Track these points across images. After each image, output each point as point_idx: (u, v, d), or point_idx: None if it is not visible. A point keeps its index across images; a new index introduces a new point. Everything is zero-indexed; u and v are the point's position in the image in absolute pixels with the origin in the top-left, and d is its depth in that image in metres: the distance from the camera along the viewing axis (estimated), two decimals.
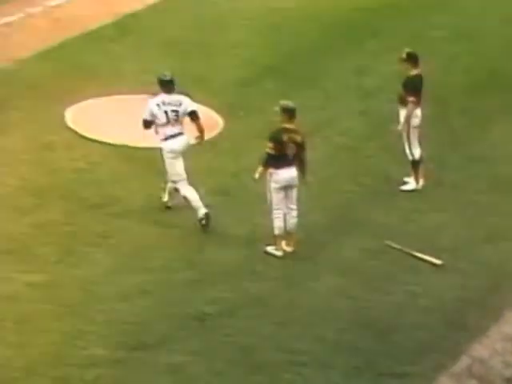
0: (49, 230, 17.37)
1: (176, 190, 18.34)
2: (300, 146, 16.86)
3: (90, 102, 21.24)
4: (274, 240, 16.90)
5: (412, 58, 18.70)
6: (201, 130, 18.29)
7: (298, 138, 16.82)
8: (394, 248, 17.04)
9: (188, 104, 18.20)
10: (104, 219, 17.75)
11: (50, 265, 16.52)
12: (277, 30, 24.19)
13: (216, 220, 17.80)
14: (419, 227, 17.77)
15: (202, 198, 18.00)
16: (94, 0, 25.34)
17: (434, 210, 18.30)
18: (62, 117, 20.43)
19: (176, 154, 18.18)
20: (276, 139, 16.73)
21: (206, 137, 19.42)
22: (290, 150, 16.78)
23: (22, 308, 15.49)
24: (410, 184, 18.78)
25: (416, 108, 18.53)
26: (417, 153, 18.64)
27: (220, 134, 20.39)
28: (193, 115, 18.16)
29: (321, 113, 20.88)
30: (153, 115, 18.08)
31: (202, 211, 18.20)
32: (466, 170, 19.56)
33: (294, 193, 16.97)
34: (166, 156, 18.18)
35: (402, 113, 18.55)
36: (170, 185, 18.38)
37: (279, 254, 16.95)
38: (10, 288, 15.83)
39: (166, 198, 18.57)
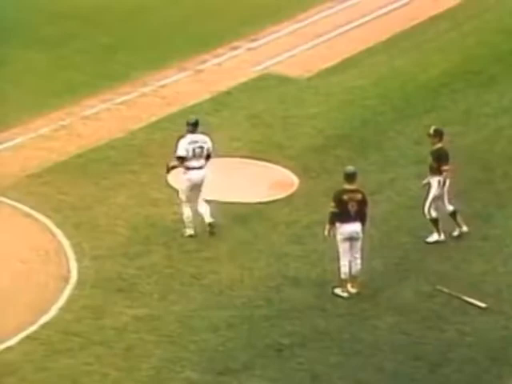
0: (152, 272, 17.47)
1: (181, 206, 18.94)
2: (361, 204, 16.80)
3: None
4: (341, 283, 16.79)
5: (438, 134, 18.69)
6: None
7: (359, 197, 16.78)
8: (445, 292, 16.85)
9: (210, 145, 18.86)
10: (197, 263, 17.81)
11: (152, 301, 16.63)
12: (349, 104, 24.17)
13: (291, 264, 17.80)
14: (467, 274, 17.55)
15: (282, 246, 18.21)
16: (194, 80, 25.40)
17: (480, 259, 18.06)
18: (166, 178, 20.45)
19: (193, 183, 18.73)
20: (338, 199, 16.76)
21: (284, 194, 20.04)
22: (352, 208, 16.72)
23: (130, 337, 15.66)
24: (434, 236, 18.51)
25: (448, 176, 18.42)
26: (450, 208, 18.51)
27: (295, 192, 20.33)
28: (209, 156, 18.87)
29: (383, 175, 20.86)
30: (186, 151, 18.56)
31: (190, 231, 18.86)
32: (509, 226, 19.25)
33: (358, 243, 16.87)
34: (185, 183, 18.82)
35: (431, 179, 18.44)
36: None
37: (345, 294, 16.82)
38: (119, 320, 16.04)
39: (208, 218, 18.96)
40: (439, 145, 18.67)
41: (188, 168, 18.73)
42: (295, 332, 15.94)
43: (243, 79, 25.40)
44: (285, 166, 21.16)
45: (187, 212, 18.92)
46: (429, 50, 27.64)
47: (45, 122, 22.30)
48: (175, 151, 18.82)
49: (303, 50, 27.33)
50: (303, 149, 21.43)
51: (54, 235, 18.38)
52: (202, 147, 18.88)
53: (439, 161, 18.50)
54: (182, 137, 18.96)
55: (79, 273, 17.26)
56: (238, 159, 21.49)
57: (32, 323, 15.79)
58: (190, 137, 18.83)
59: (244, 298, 16.85)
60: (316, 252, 18.24)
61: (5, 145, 21.50)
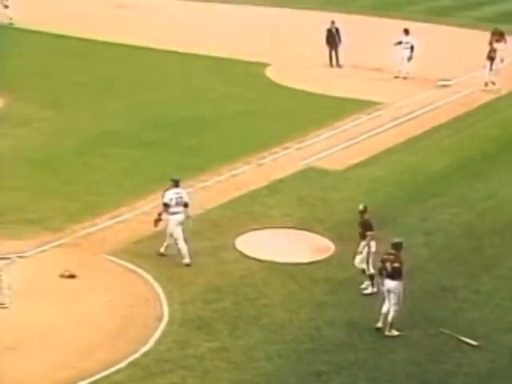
0: (223, 314, 17.48)
1: (176, 244, 19.44)
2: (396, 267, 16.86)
3: (251, 233, 21.33)
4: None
5: (364, 210, 18.81)
6: (188, 215, 19.61)
7: (396, 263, 16.84)
8: (446, 333, 16.81)
9: (186, 196, 19.76)
10: (257, 308, 17.80)
11: (223, 336, 16.71)
12: (373, 190, 24.14)
13: (328, 310, 17.75)
14: (463, 320, 17.47)
15: (321, 296, 18.14)
16: (256, 171, 25.42)
17: (473, 309, 18.01)
18: (234, 243, 20.55)
19: (177, 222, 19.40)
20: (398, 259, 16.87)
21: (323, 256, 20.10)
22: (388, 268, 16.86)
23: (206, 364, 15.78)
24: (369, 289, 18.48)
25: (372, 240, 18.52)
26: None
27: (332, 255, 20.23)
28: (186, 204, 19.59)
29: None
30: (170, 200, 19.28)
31: (187, 260, 19.39)
32: (496, 284, 19.11)
33: (391, 296, 16.83)
34: (172, 224, 19.43)
35: (362, 243, 18.54)
36: (168, 243, 19.53)
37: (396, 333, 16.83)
38: (198, 351, 16.15)
39: (162, 250, 19.66)
40: (365, 217, 18.75)
41: (172, 213, 19.42)
42: (331, 362, 15.95)
43: (292, 171, 25.41)
44: (324, 235, 21.22)
45: (182, 246, 19.41)
46: (434, 151, 27.60)
47: (145, 203, 22.45)
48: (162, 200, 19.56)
49: (338, 149, 27.36)
50: (338, 222, 21.50)
51: (151, 286, 18.48)
52: (181, 197, 19.54)
53: (365, 229, 18.60)
54: (167, 189, 19.66)
55: (170, 315, 17.36)
56: (288, 230, 21.57)
57: (135, 352, 15.99)
58: (173, 190, 19.59)
59: (292, 335, 16.85)
60: (347, 301, 18.17)
61: (118, 219, 21.69)
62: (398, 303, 16.86)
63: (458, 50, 38.72)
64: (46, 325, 16.92)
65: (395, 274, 16.82)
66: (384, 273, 16.94)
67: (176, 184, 19.84)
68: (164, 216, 19.72)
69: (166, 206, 19.50)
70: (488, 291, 18.81)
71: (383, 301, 16.99)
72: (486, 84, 34.26)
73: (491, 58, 34.00)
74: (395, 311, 16.81)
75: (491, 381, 15.80)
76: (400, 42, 35.35)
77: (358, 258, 18.66)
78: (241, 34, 44.18)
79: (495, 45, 34.89)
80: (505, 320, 17.71)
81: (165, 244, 19.72)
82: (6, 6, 44.40)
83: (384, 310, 16.91)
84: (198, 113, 30.53)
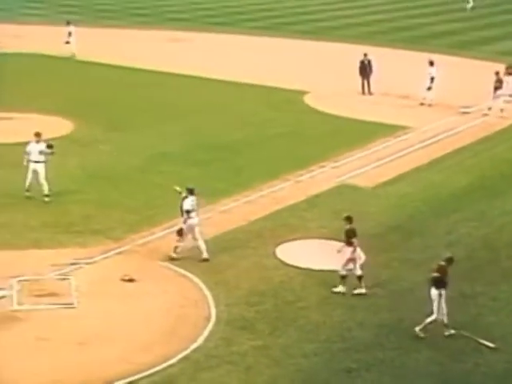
0: (265, 315, 17.45)
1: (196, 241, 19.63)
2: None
3: (290, 243, 21.29)
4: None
5: (348, 219, 18.72)
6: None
7: (437, 272, 16.74)
8: (466, 335, 16.63)
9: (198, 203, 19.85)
10: (294, 310, 17.68)
11: (265, 335, 16.67)
12: (400, 205, 24.01)
13: (358, 313, 17.60)
14: (481, 323, 17.31)
15: (352, 300, 18.03)
16: (295, 187, 25.33)
17: (491, 314, 17.81)
18: (274, 252, 20.53)
19: (196, 224, 19.64)
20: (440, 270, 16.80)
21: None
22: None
23: (249, 360, 15.79)
24: (339, 288, 18.48)
25: (358, 246, 18.54)
26: (358, 272, 18.48)
27: (362, 263, 19.71)
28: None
29: (422, 254, 20.52)
30: (191, 206, 19.50)
31: (205, 254, 19.62)
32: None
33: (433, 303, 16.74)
34: (193, 226, 19.60)
35: (344, 248, 18.60)
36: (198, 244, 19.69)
37: (422, 335, 16.60)
38: (242, 348, 16.14)
39: (205, 254, 19.69)
40: (348, 226, 18.64)
41: (190, 218, 19.54)
42: (361, 360, 15.86)
43: (328, 187, 25.34)
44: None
45: (201, 243, 19.75)
46: (456, 171, 27.41)
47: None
48: (182, 208, 19.57)
49: (369, 168, 27.26)
50: (368, 234, 21.27)
51: (200, 289, 18.50)
52: (196, 204, 19.76)
53: (349, 237, 18.50)
54: (185, 197, 19.71)
55: (217, 315, 17.38)
56: (324, 240, 21.48)
57: (186, 348, 16.03)
58: (191, 197, 19.61)
59: (326, 335, 16.80)
60: (376, 305, 18.06)
61: (172, 230, 21.27)
62: (436, 311, 16.63)
63: (478, 80, 38.34)
64: (108, 323, 17.04)
65: (435, 283, 16.67)
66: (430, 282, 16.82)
67: (191, 192, 19.83)
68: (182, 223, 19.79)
69: (188, 212, 19.57)
70: (505, 298, 18.59)
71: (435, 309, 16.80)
72: (502, 110, 34.46)
73: (496, 88, 34.39)
74: (431, 317, 16.62)
75: (507, 380, 15.58)
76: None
77: (341, 264, 18.66)
78: (283, 64, 44.42)
79: (506, 77, 35.38)
80: None
81: (202, 247, 19.78)
82: (68, 42, 44.96)
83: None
84: (243, 135, 30.64)
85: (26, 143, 23.93)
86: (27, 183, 23.49)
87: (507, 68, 36.40)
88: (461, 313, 17.67)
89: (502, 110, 34.40)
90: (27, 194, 23.47)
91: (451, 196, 24.89)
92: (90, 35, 49.69)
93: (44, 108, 32.31)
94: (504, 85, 34.81)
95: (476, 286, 18.95)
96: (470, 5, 65.67)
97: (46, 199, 23.35)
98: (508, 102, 34.91)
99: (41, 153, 23.43)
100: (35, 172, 23.40)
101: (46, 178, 23.39)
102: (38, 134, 23.85)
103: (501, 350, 16.34)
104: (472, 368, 15.77)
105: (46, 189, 23.38)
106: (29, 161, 23.51)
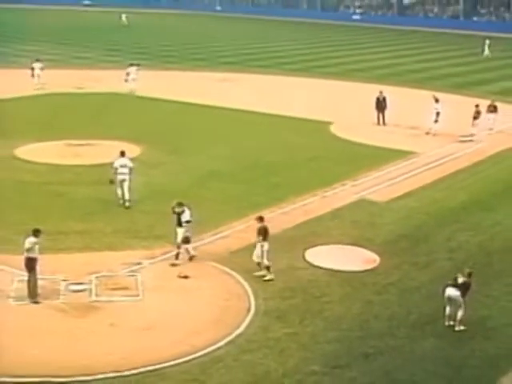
0: (295, 308, 17.36)
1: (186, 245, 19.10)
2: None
3: (317, 248, 21.04)
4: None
5: (260, 219, 18.77)
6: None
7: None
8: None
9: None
10: (320, 303, 17.58)
11: (295, 324, 16.60)
12: (408, 217, 23.65)
13: (374, 307, 17.40)
14: (476, 317, 16.96)
15: (369, 296, 17.74)
16: (320, 201, 24.98)
17: (483, 309, 17.59)
18: (304, 255, 20.28)
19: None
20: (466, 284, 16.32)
21: (371, 266, 19.63)
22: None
23: (282, 345, 15.71)
24: (268, 276, 18.41)
25: (265, 241, 18.46)
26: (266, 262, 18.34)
27: (377, 266, 19.81)
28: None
29: (427, 257, 20.35)
30: (191, 217, 19.19)
31: (193, 252, 19.19)
32: (502, 289, 18.59)
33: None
34: (187, 229, 19.08)
35: (259, 244, 18.50)
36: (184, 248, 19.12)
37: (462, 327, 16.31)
38: (276, 335, 16.02)
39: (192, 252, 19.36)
40: (260, 224, 18.64)
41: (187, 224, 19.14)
42: (376, 346, 15.71)
43: (347, 202, 25.14)
44: (372, 250, 20.85)
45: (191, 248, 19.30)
46: (455, 189, 27.05)
47: (239, 223, 22.47)
48: (180, 220, 19.11)
49: (383, 186, 26.99)
50: (382, 241, 21.21)
51: (242, 285, 18.44)
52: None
53: (260, 233, 18.50)
54: (183, 211, 19.13)
55: (256, 307, 17.33)
56: (345, 246, 21.32)
57: (230, 334, 16.03)
58: (188, 211, 19.26)
59: (347, 325, 16.66)
60: (389, 301, 17.88)
61: (219, 235, 21.64)
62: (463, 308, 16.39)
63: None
64: (168, 312, 17.11)
65: (462, 291, 16.32)
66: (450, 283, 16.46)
67: (185, 206, 19.35)
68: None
69: (188, 222, 19.37)
70: (496, 295, 18.31)
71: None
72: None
73: (474, 118, 34.44)
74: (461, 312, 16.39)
75: (497, 362, 15.36)
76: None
77: (254, 254, 18.62)
78: (313, 100, 44.39)
79: (488, 115, 35.34)
80: (508, 317, 17.26)
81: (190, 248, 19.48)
82: (126, 80, 45.30)
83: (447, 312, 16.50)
84: (278, 158, 30.54)
85: (112, 163, 24.60)
86: (119, 194, 24.09)
87: (489, 106, 35.90)
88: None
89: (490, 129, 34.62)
90: (121, 201, 24.07)
91: (451, 210, 24.60)
92: (156, 76, 50.20)
93: (116, 136, 32.72)
94: (485, 120, 34.77)
95: (472, 285, 18.47)
96: (486, 53, 64.87)
97: (127, 204, 23.88)
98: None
99: (125, 167, 24.05)
100: (122, 182, 24.00)
101: (129, 188, 23.99)
102: (122, 153, 24.60)
103: (492, 338, 16.17)
104: (469, 353, 15.59)
105: (128, 198, 23.97)
106: (116, 174, 24.13)
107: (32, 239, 17.39)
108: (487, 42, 65.34)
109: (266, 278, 18.53)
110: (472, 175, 28.79)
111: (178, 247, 19.46)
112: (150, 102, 42.86)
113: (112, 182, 23.93)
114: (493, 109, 35.86)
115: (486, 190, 26.97)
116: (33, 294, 17.15)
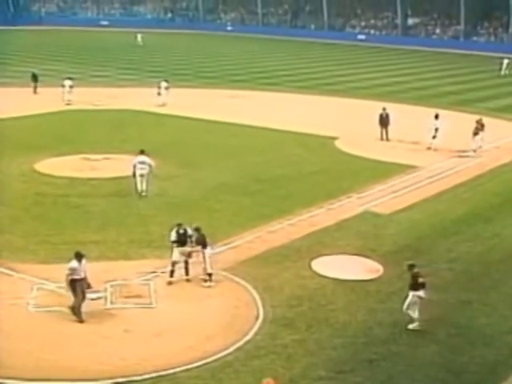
0: (302, 316, 17.29)
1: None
2: None
3: (323, 258, 20.94)
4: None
5: (198, 230, 18.55)
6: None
7: None
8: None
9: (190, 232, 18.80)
10: (327, 312, 17.57)
11: (301, 331, 16.56)
12: (411, 228, 23.60)
13: (378, 314, 17.34)
14: (476, 324, 16.93)
15: (372, 304, 17.69)
16: (327, 214, 24.99)
17: (482, 317, 17.51)
18: (310, 265, 20.21)
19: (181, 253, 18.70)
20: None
21: (375, 276, 19.53)
22: None
23: (288, 351, 15.60)
24: (207, 283, 18.42)
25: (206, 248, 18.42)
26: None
27: (381, 275, 19.81)
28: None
29: (429, 269, 20.19)
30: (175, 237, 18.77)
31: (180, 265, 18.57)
32: (499, 297, 18.50)
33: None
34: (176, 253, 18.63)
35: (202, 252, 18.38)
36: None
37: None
38: (283, 341, 16.02)
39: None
40: (199, 234, 18.47)
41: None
42: (379, 352, 15.67)
43: (353, 214, 25.11)
44: (375, 260, 20.83)
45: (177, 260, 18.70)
46: (455, 202, 27.03)
47: (248, 234, 22.49)
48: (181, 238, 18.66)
49: (386, 199, 26.99)
50: (385, 251, 21.16)
51: (251, 293, 18.43)
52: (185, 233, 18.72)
53: (199, 242, 18.42)
54: (172, 229, 18.80)
55: (264, 314, 17.29)
56: (350, 256, 21.25)
57: (239, 340, 16.02)
58: (189, 228, 18.80)
59: (351, 332, 16.63)
60: (391, 309, 17.79)
61: (229, 246, 21.67)
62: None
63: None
64: (179, 319, 17.11)
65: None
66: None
67: (180, 226, 18.79)
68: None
69: (191, 237, 18.77)
70: (494, 304, 18.25)
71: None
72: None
73: (475, 134, 34.41)
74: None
75: (496, 368, 15.30)
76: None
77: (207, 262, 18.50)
78: (319, 116, 44.45)
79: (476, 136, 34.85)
80: (506, 325, 17.18)
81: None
82: (159, 94, 46.00)
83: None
84: (286, 171, 30.56)
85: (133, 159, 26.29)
86: (138, 187, 25.78)
87: (476, 128, 34.70)
88: (459, 315, 17.47)
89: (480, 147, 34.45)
90: (143, 194, 25.90)
91: (452, 222, 24.55)
92: (169, 94, 50.44)
93: (131, 150, 32.72)
94: (475, 139, 34.37)
95: (471, 294, 18.63)
96: (503, 72, 64.83)
97: (144, 194, 25.82)
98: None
99: (143, 163, 25.78)
100: (141, 176, 25.68)
101: (147, 182, 25.76)
102: (142, 151, 26.27)
103: (491, 345, 16.09)
104: (469, 359, 15.51)
105: (145, 189, 25.81)
106: (136, 169, 25.68)
107: (75, 264, 16.53)
108: (506, 61, 65.04)
109: (206, 285, 18.19)
110: (472, 188, 28.76)
111: (173, 265, 18.97)
112: (164, 118, 43.04)
113: (134, 175, 25.72)
114: (480, 127, 35.10)
115: (486, 202, 26.93)
116: (78, 314, 16.67)
